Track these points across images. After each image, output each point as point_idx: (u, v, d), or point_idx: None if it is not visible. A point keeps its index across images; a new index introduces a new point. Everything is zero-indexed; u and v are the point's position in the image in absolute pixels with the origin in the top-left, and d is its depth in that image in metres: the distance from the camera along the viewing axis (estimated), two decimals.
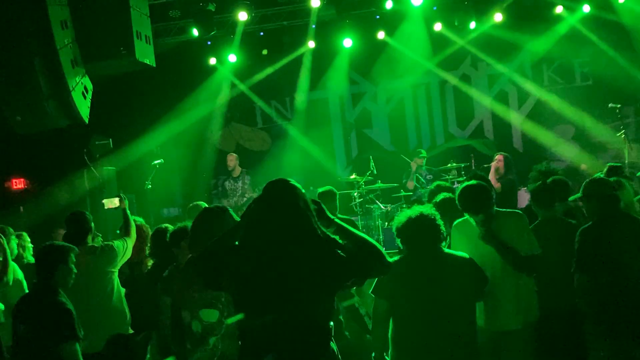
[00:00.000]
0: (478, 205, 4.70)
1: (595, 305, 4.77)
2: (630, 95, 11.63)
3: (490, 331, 4.61)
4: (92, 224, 5.76)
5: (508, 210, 4.91)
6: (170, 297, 4.90)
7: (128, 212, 6.18)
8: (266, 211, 3.42)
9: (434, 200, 5.44)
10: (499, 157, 9.53)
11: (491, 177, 9.18)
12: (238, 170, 11.27)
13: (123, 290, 5.87)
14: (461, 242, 4.76)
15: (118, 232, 6.40)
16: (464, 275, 4.15)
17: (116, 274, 5.76)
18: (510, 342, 4.59)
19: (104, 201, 7.03)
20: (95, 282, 5.53)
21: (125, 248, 5.81)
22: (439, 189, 6.22)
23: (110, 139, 10.33)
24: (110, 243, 5.81)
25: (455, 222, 4.93)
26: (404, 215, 4.31)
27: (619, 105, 9.82)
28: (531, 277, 4.67)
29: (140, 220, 6.49)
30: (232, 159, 11.33)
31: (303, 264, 3.28)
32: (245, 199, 10.91)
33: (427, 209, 4.29)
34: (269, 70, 12.91)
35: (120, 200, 6.30)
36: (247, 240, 3.42)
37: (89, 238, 5.66)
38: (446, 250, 4.31)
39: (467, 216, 4.81)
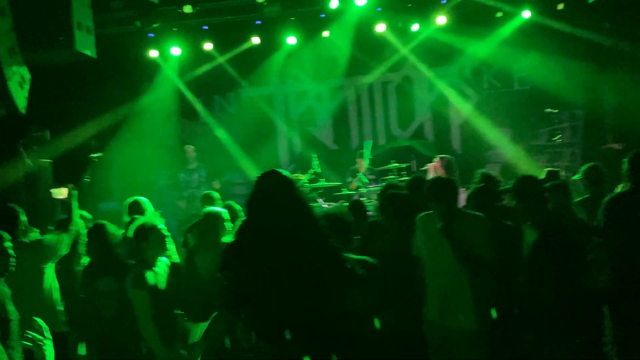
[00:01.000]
0: (443, 195, 4.75)
1: (535, 312, 4.84)
2: (566, 101, 11.98)
3: (444, 326, 4.67)
4: (23, 218, 5.57)
5: (473, 212, 4.98)
6: (145, 290, 4.99)
7: (75, 205, 6.02)
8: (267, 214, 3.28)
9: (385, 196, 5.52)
10: (437, 161, 9.59)
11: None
12: (194, 164, 11.14)
13: (57, 286, 5.72)
14: (423, 235, 4.82)
15: (50, 227, 6.25)
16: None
17: (48, 269, 5.60)
18: (462, 340, 4.65)
19: (52, 190, 6.87)
20: (25, 278, 5.32)
21: (59, 243, 5.66)
22: (390, 188, 6.27)
23: (48, 131, 10.05)
24: (40, 238, 5.64)
25: (420, 215, 4.98)
26: None
27: (555, 111, 10.09)
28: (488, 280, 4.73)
29: (86, 214, 6.37)
30: (191, 151, 11.21)
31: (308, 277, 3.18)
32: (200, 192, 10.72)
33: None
34: (212, 65, 12.79)
35: (69, 192, 6.12)
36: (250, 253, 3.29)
37: (19, 233, 5.45)
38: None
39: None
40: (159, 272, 5.34)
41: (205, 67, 12.80)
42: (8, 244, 4.54)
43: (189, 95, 13.22)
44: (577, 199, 6.26)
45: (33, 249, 5.47)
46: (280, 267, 3.20)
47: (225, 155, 13.13)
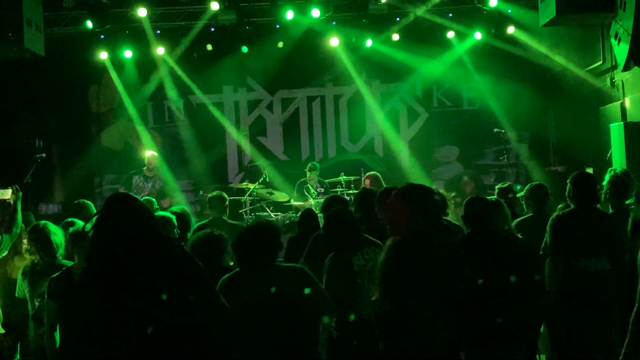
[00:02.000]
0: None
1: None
2: (513, 123, 12.26)
3: None
4: None
5: None
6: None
7: (19, 206, 5.83)
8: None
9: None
10: (366, 180, 9.54)
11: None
12: (156, 171, 10.74)
13: None
14: None
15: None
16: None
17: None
18: None
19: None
20: None
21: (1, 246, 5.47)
22: (334, 200, 6.27)
23: None
24: None
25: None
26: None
27: (502, 131, 10.32)
28: None
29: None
30: (154, 159, 10.76)
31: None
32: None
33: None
34: (163, 70, 12.64)
35: (13, 193, 5.94)
36: None
37: None
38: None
39: None
40: None
41: (156, 72, 12.62)
42: None
43: (146, 98, 13.03)
44: (522, 217, 6.38)
45: None
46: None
47: (173, 162, 12.98)
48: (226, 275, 4.15)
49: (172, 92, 12.99)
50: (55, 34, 10.87)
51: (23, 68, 9.97)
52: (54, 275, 4.82)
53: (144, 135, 13.03)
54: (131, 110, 12.90)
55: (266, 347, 3.96)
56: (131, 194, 3.82)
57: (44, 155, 10.16)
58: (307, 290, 4.10)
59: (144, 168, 10.67)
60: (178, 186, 12.78)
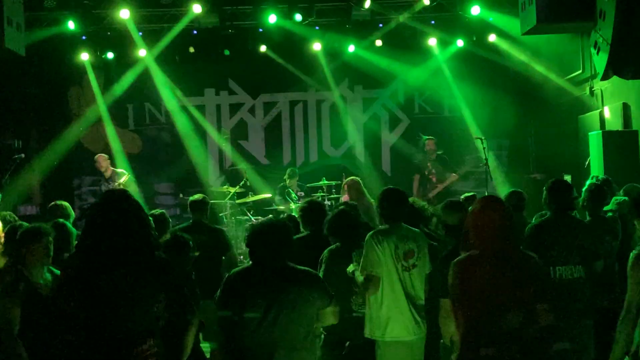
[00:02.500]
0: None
1: None
2: (493, 130, 12.35)
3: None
4: None
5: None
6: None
7: None
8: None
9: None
10: (345, 185, 9.42)
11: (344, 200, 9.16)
12: (110, 170, 10.85)
13: None
14: None
15: None
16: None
17: None
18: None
19: None
20: None
21: None
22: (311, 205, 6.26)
23: None
24: None
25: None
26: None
27: (483, 138, 10.39)
28: None
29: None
30: (103, 160, 10.85)
31: None
32: None
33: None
34: (145, 72, 12.57)
35: None
36: None
37: None
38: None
39: None
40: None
41: (138, 74, 12.55)
42: None
43: (118, 102, 12.94)
44: None
45: None
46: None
47: (153, 165, 12.93)
48: (237, 269, 4.18)
49: (152, 94, 12.91)
50: (36, 34, 10.78)
51: (3, 68, 9.86)
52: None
53: (124, 137, 12.95)
54: (111, 111, 12.82)
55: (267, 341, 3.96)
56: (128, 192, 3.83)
57: (22, 155, 10.09)
58: (314, 295, 4.09)
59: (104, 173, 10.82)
60: (156, 189, 12.77)
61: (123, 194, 3.79)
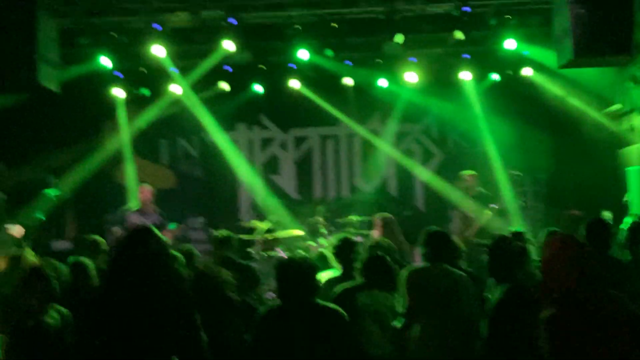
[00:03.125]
0: None
1: None
2: (530, 165, 12.12)
3: None
4: None
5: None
6: None
7: (24, 243, 5.74)
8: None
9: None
10: (376, 221, 9.33)
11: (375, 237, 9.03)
12: (151, 207, 10.64)
13: None
14: None
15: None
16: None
17: None
18: None
19: (7, 225, 6.65)
20: None
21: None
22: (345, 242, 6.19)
23: (4, 164, 9.80)
24: None
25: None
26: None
27: (520, 174, 10.20)
28: None
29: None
30: (147, 192, 10.52)
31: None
32: None
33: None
34: (177, 107, 12.67)
35: (21, 231, 5.87)
36: None
37: None
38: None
39: None
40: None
41: (171, 110, 12.66)
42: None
43: (161, 135, 13.05)
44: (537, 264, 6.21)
45: None
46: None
47: (185, 199, 12.95)
48: (265, 307, 4.28)
49: (185, 130, 12.99)
50: (71, 70, 10.93)
51: (37, 104, 9.99)
52: None
53: (156, 172, 13.02)
54: (144, 147, 12.92)
55: None
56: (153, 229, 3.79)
57: (58, 192, 10.18)
58: (337, 335, 4.06)
59: (141, 204, 10.49)
60: (188, 224, 12.76)
61: (147, 232, 3.74)
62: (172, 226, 10.11)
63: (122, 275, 3.54)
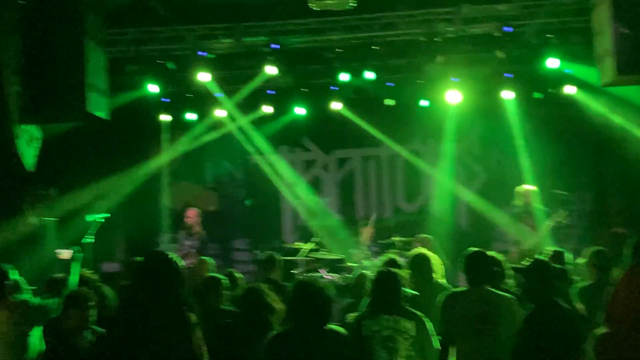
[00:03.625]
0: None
1: None
2: (574, 183, 11.96)
3: None
4: (13, 277, 5.46)
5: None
6: None
7: (75, 267, 5.88)
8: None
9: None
10: (416, 243, 9.36)
11: None
12: (197, 229, 10.84)
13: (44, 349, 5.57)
14: None
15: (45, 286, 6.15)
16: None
17: (34, 333, 5.39)
18: None
19: (58, 250, 6.86)
20: (8, 341, 5.17)
21: (48, 307, 5.42)
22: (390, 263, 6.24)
23: (55, 189, 10.08)
24: (25, 299, 5.48)
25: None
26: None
27: (565, 193, 10.08)
28: None
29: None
30: (194, 215, 10.85)
31: None
32: (185, 262, 10.44)
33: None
34: (222, 131, 12.91)
35: (72, 254, 6.02)
36: None
37: (5, 292, 5.30)
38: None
39: None
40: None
41: (216, 133, 12.91)
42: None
43: (206, 158, 13.28)
44: (581, 285, 6.15)
45: (17, 309, 5.31)
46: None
47: (230, 221, 13.13)
48: (275, 333, 4.29)
49: (229, 153, 13.20)
50: (119, 98, 11.26)
51: (87, 131, 10.29)
52: None
53: (202, 194, 13.25)
54: (190, 170, 13.18)
55: None
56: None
57: (107, 214, 10.41)
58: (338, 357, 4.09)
59: (187, 225, 10.82)
60: (232, 245, 12.96)
61: (165, 259, 3.85)
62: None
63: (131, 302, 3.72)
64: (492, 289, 5.09)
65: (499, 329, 4.84)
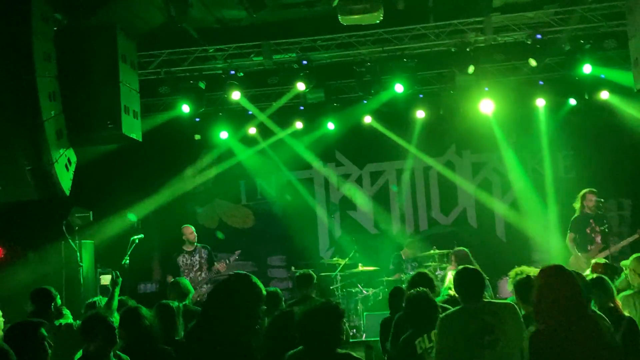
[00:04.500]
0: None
1: None
2: (613, 189, 11.74)
3: None
4: (58, 301, 5.55)
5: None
6: None
7: (116, 293, 5.92)
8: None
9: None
10: (452, 256, 9.23)
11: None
12: (193, 243, 10.76)
13: None
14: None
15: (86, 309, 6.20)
16: None
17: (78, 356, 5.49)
18: None
19: (101, 277, 6.91)
20: None
21: None
22: (420, 278, 6.17)
23: (91, 212, 10.21)
24: (71, 323, 5.56)
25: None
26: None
27: (602, 200, 9.88)
28: None
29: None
30: (190, 232, 10.76)
31: None
32: (203, 274, 10.54)
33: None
34: (255, 148, 12.97)
35: (112, 278, 6.06)
36: None
37: (51, 316, 5.38)
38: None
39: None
40: None
41: (249, 151, 12.97)
42: (44, 332, 4.42)
43: (240, 176, 13.35)
44: (625, 293, 6.00)
45: (62, 332, 5.40)
46: None
47: (265, 238, 13.15)
48: (291, 352, 4.19)
49: (262, 170, 13.24)
50: (152, 119, 11.40)
51: (121, 152, 10.41)
52: None
53: (237, 212, 13.31)
54: (224, 188, 13.25)
55: None
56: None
57: (141, 235, 10.50)
58: None
59: (183, 246, 10.69)
60: (268, 262, 12.99)
61: (246, 279, 3.74)
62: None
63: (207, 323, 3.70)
64: (491, 300, 5.08)
65: (507, 337, 4.73)
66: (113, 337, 4.66)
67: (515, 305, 5.00)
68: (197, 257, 10.56)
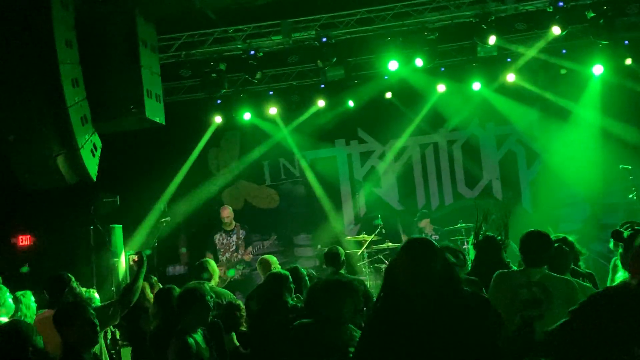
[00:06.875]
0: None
1: None
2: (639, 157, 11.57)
3: None
4: (74, 285, 5.57)
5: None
6: None
7: (141, 274, 5.86)
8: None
9: None
10: None
11: None
12: (232, 224, 11.05)
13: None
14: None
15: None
16: None
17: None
18: None
19: (130, 256, 6.96)
20: None
21: (108, 314, 5.42)
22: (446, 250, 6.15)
23: (118, 196, 10.31)
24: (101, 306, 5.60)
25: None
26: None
27: (629, 167, 9.74)
28: None
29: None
30: (228, 212, 11.06)
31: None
32: (240, 255, 10.63)
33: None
34: (278, 128, 12.96)
35: (139, 258, 5.97)
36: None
37: (69, 298, 5.36)
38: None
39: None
40: (200, 342, 5.04)
41: (271, 131, 12.97)
42: (92, 313, 4.34)
43: (263, 157, 13.37)
44: None
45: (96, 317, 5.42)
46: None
47: (290, 218, 13.19)
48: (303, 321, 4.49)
49: (285, 150, 13.24)
50: (174, 102, 11.44)
51: (145, 135, 10.47)
52: None
53: (261, 193, 13.36)
54: (248, 170, 13.29)
55: None
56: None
57: (169, 218, 10.61)
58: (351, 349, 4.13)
59: (222, 225, 10.93)
60: (294, 241, 13.05)
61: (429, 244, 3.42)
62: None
63: None
64: (550, 272, 4.73)
65: (546, 320, 4.31)
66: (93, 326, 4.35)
67: (576, 284, 4.72)
68: (234, 237, 10.71)
